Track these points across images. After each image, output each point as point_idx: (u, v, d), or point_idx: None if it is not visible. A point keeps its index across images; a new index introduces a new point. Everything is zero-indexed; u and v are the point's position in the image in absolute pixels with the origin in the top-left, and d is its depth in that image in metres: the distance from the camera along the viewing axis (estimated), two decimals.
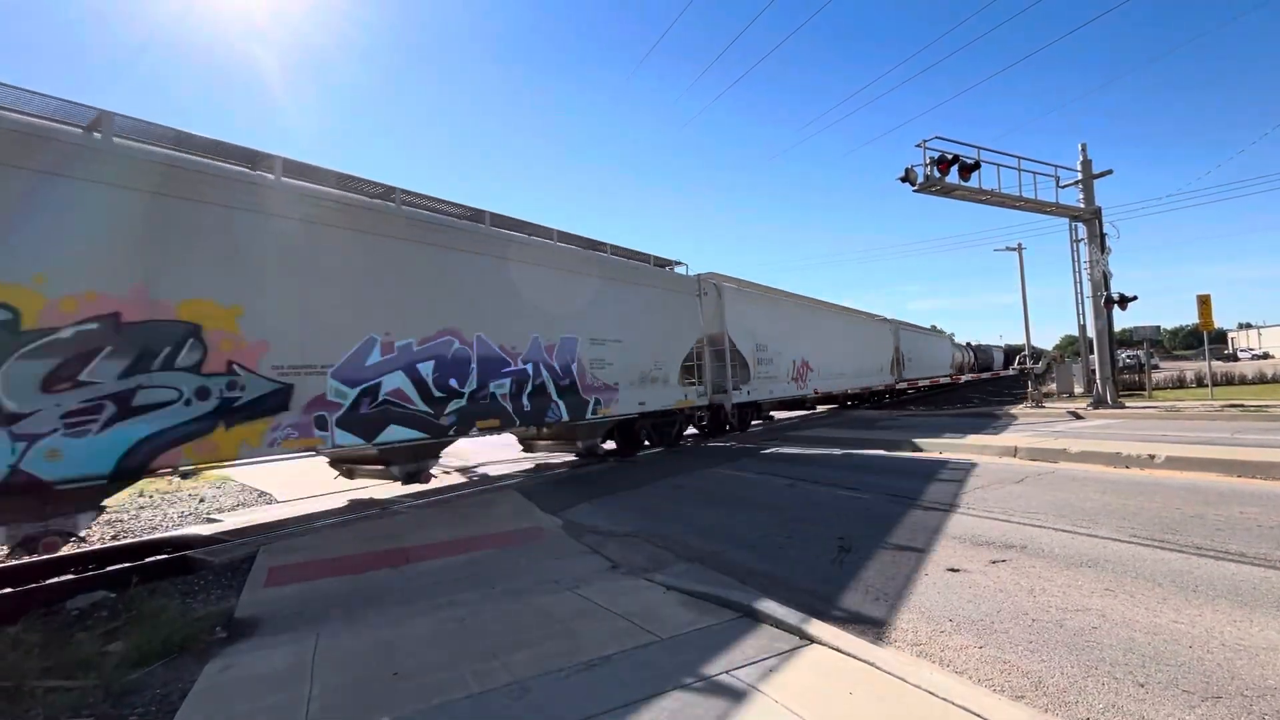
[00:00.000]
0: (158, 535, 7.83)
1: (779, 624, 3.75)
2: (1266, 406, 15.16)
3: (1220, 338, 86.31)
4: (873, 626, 3.89)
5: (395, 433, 7.45)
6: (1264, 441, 9.86)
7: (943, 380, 33.89)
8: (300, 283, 6.66)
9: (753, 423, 17.25)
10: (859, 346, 23.91)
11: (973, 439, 11.74)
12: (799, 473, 9.76)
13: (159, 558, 6.33)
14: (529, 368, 9.46)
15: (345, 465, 8.82)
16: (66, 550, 7.18)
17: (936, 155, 15.41)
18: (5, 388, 4.74)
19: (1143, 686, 3.01)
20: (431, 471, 8.90)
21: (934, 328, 36.70)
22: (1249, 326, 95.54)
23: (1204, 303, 19.00)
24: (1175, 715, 2.76)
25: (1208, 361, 22.36)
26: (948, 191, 16.34)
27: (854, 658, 3.28)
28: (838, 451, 12.00)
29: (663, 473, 10.53)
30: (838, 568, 5.08)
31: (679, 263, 13.57)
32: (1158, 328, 24.86)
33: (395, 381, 7.52)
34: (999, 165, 17.06)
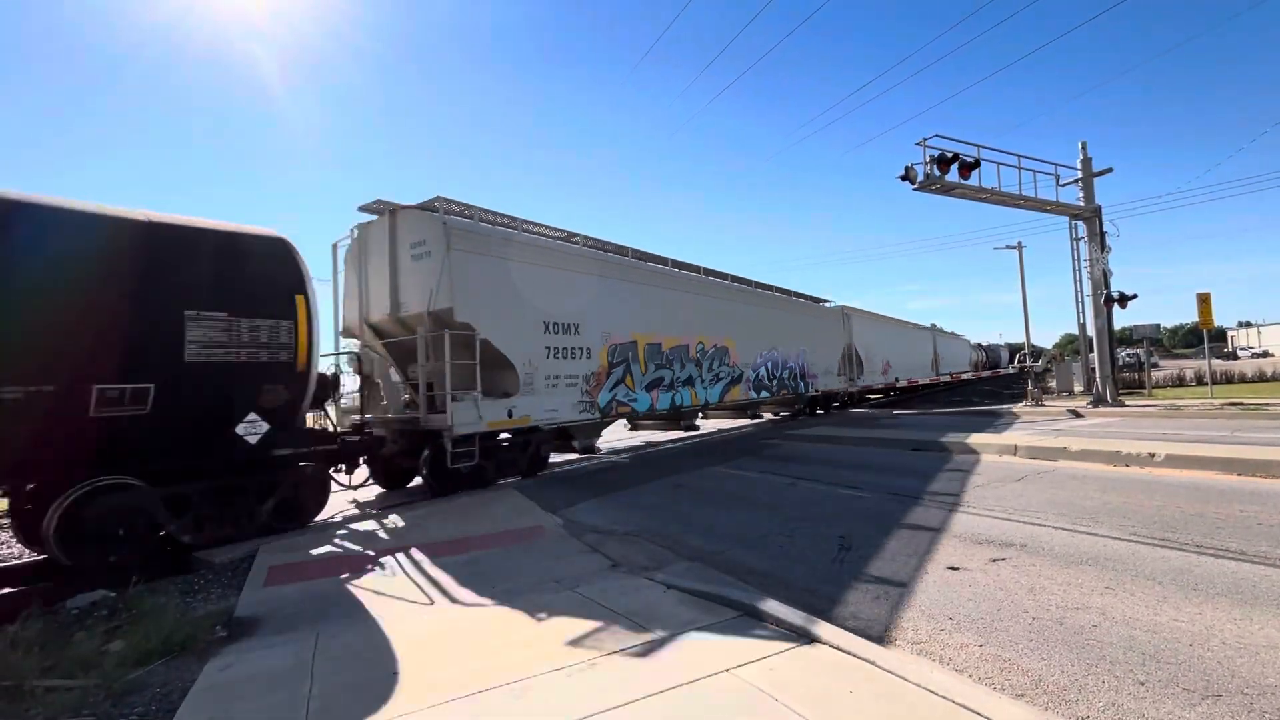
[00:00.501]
0: None
1: (779, 623, 3.75)
2: (1266, 405, 15.16)
3: (1220, 336, 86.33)
4: (873, 625, 3.89)
5: (762, 394, 16.82)
6: (1264, 440, 9.86)
7: (964, 375, 39.00)
8: (740, 330, 15.68)
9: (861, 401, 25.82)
10: (912, 349, 31.40)
11: (974, 437, 11.73)
12: (799, 471, 9.76)
13: (158, 557, 6.32)
14: (794, 365, 18.62)
15: (635, 421, 14.74)
16: None
17: (936, 153, 15.37)
18: (701, 373, 13.95)
19: (1143, 684, 3.01)
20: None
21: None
22: (1249, 325, 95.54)
23: (1204, 301, 19.00)
24: (1175, 713, 2.76)
25: (1207, 360, 22.38)
26: (948, 190, 16.31)
27: (855, 656, 3.27)
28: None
29: (664, 471, 10.53)
30: (838, 566, 5.08)
31: (828, 299, 22.50)
32: (1158, 326, 24.91)
33: (761, 370, 16.80)
34: (999, 164, 17.02)
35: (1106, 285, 18.74)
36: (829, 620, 3.85)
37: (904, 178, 15.46)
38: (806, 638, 3.54)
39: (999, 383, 36.99)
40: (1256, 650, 3.27)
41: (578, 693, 3.08)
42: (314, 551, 6.28)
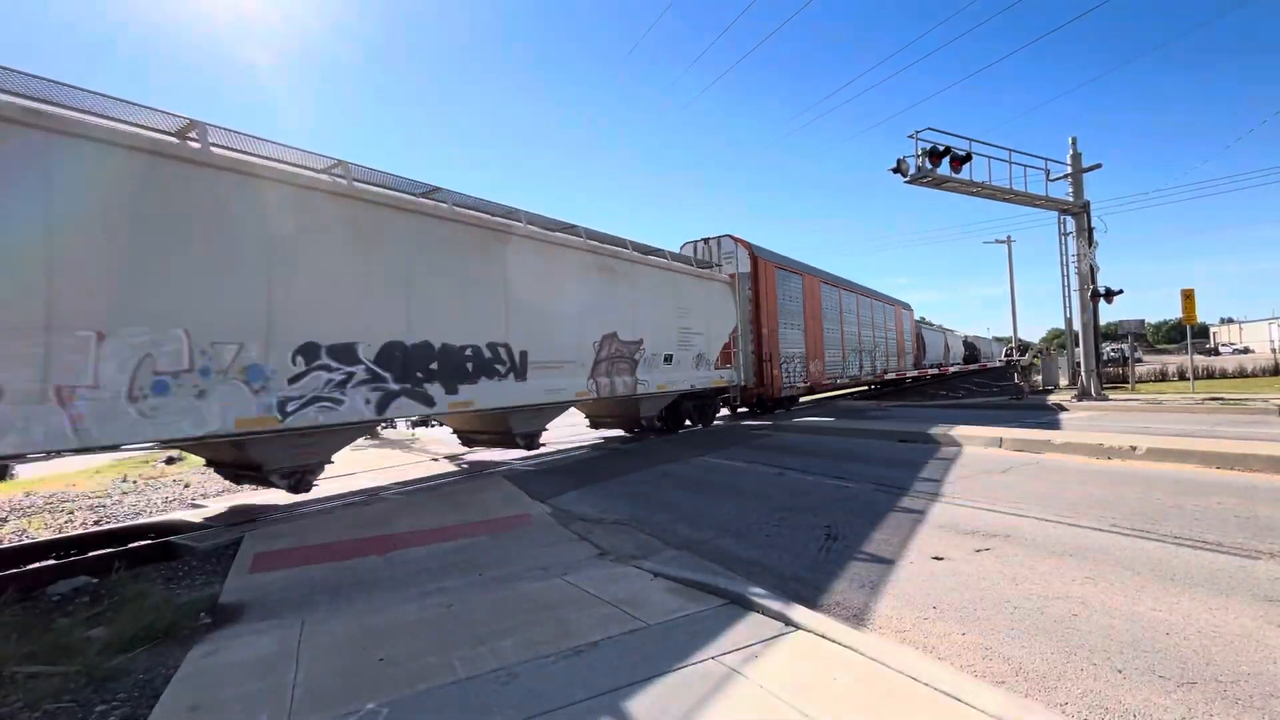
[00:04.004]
0: (141, 521, 7.76)
1: (765, 611, 3.78)
2: (1245, 400, 15.41)
3: (1203, 332, 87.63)
4: (858, 613, 3.93)
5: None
6: (1242, 434, 10.04)
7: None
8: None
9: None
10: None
11: (960, 430, 11.84)
12: (787, 462, 9.81)
13: (142, 543, 6.27)
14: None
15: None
16: (48, 535, 7.10)
17: (928, 146, 15.41)
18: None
19: (1120, 672, 3.06)
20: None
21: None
22: (1231, 321, 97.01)
23: (1188, 297, 19.25)
24: (1151, 700, 2.82)
25: (1190, 356, 22.72)
26: (939, 183, 16.35)
27: (838, 644, 3.31)
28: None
29: (652, 460, 10.55)
30: (824, 555, 5.12)
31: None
32: (1142, 321, 25.20)
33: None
34: (990, 158, 17.09)
35: (1093, 280, 18.92)
36: (814, 608, 3.89)
37: (896, 170, 15.50)
38: (791, 625, 3.57)
39: (986, 376, 37.56)
40: (1231, 639, 3.33)
41: (565, 680, 3.09)
42: (299, 538, 6.24)
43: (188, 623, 4.12)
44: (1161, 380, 26.70)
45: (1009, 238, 37.77)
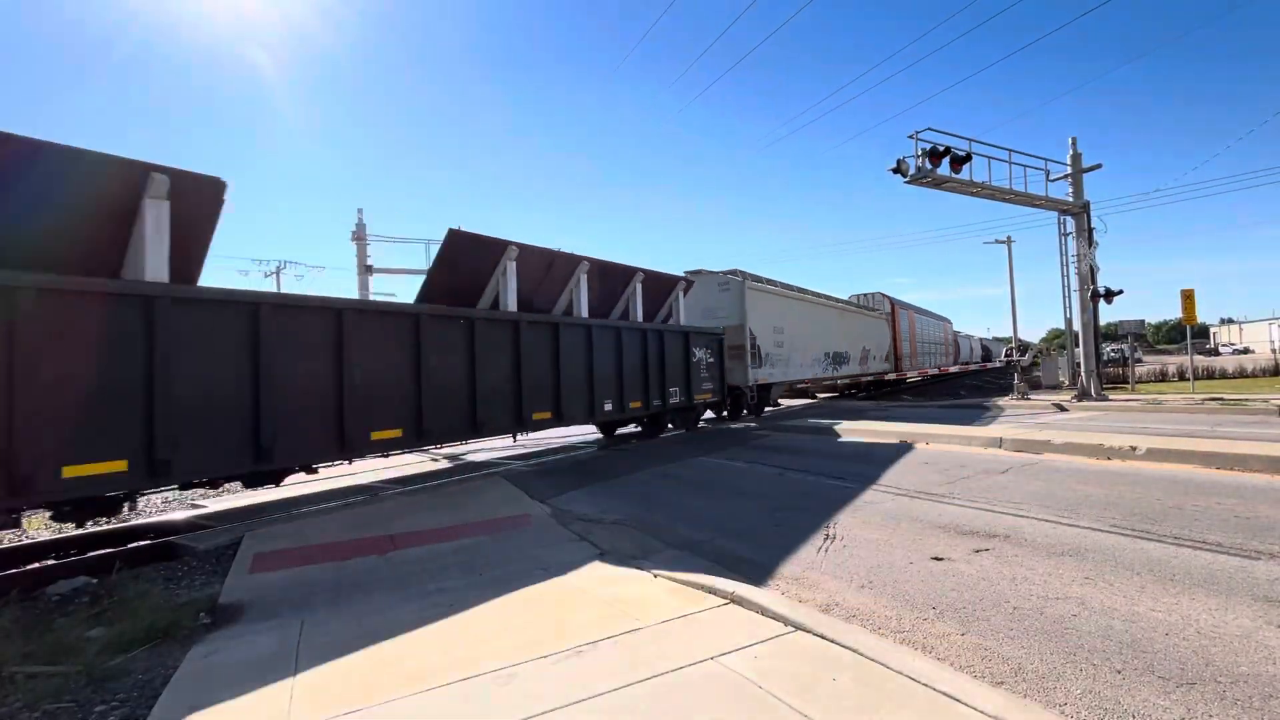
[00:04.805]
0: (140, 521, 7.76)
1: (765, 611, 3.78)
2: (1245, 400, 15.42)
3: (1203, 332, 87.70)
4: (857, 613, 3.93)
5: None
6: (1242, 434, 10.05)
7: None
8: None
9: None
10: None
11: (961, 430, 11.84)
12: (787, 462, 9.82)
13: (142, 544, 6.27)
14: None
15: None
16: (48, 535, 7.10)
17: (928, 147, 15.43)
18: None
19: (1120, 673, 3.06)
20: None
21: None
22: (1231, 321, 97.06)
23: (1188, 298, 19.27)
24: (1150, 700, 2.82)
25: (1190, 356, 22.73)
26: (939, 183, 16.37)
27: (838, 644, 3.31)
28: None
29: (652, 461, 10.56)
30: (823, 556, 5.12)
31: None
32: (1142, 322, 25.24)
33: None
34: (990, 158, 17.12)
35: (1093, 280, 18.93)
36: (814, 608, 3.89)
37: (896, 170, 15.52)
38: (791, 625, 3.57)
39: (984, 379, 37.65)
40: (1230, 640, 3.34)
41: (564, 680, 3.09)
42: (299, 538, 6.24)
43: (188, 623, 4.13)
44: (1161, 380, 26.71)
45: (1009, 238, 37.75)
